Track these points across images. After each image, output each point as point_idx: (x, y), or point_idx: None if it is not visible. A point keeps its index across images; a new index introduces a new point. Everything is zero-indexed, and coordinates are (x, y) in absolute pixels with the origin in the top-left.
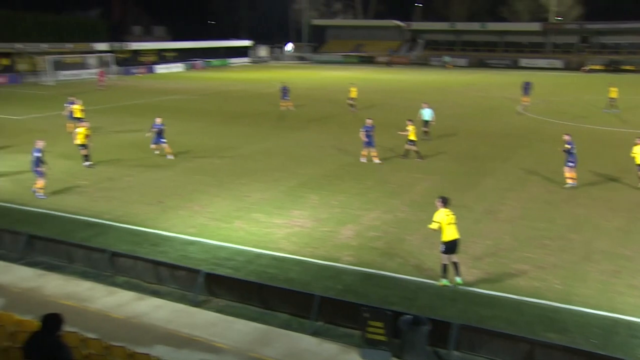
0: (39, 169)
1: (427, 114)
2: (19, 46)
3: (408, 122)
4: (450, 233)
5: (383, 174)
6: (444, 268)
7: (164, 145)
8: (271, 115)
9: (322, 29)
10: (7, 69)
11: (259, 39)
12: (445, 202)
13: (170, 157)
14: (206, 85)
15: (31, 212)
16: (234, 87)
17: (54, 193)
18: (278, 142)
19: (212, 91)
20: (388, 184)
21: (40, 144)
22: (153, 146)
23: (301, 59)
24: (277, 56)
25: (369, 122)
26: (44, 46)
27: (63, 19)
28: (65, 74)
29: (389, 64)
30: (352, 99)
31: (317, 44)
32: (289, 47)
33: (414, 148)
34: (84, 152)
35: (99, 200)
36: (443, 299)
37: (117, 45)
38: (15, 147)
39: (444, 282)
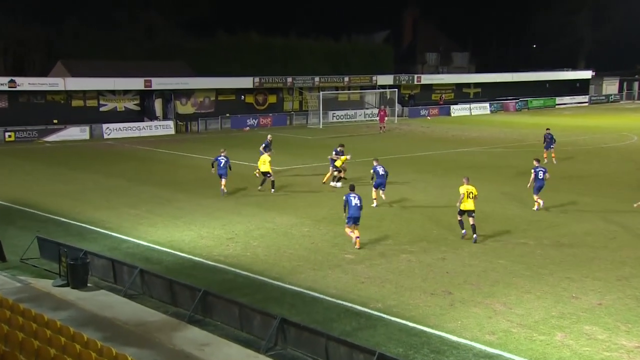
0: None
1: None
2: (288, 80)
3: None
4: None
5: None
6: None
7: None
8: (623, 180)
9: None
10: (274, 108)
11: (603, 69)
12: None
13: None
14: (521, 134)
15: (286, 289)
16: (565, 138)
17: (314, 268)
18: (627, 218)
19: (529, 143)
20: None
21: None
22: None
23: None
24: (633, 93)
25: None
26: (316, 80)
27: (341, 46)
28: (338, 115)
29: None
30: None
31: None
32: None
33: None
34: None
35: (368, 282)
36: None
37: (404, 78)
38: (266, 205)
39: None
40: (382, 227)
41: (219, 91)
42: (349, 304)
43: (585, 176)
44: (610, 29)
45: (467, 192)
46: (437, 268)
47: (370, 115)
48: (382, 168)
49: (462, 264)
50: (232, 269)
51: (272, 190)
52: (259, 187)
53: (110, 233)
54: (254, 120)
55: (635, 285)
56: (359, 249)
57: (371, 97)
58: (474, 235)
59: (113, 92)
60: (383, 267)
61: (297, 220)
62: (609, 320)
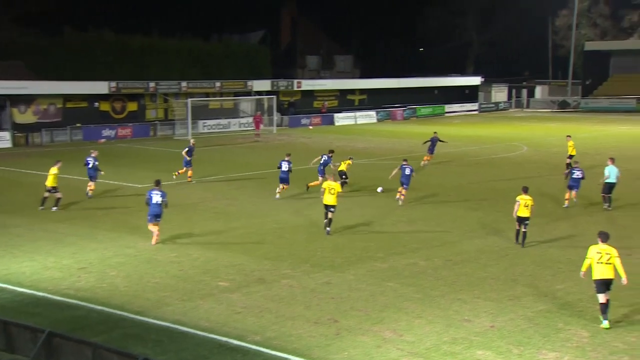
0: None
1: (613, 172)
2: (151, 85)
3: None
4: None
5: None
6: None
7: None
8: (515, 193)
9: (602, 56)
10: (135, 117)
11: (492, 75)
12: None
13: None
14: (410, 144)
15: (150, 324)
16: (455, 149)
17: (183, 298)
18: (510, 235)
19: (419, 153)
20: None
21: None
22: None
23: (563, 105)
24: (522, 101)
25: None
26: (184, 85)
27: (212, 47)
28: (209, 125)
29: None
30: (570, 156)
31: (591, 81)
32: None
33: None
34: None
35: (245, 312)
36: None
37: (282, 83)
38: (126, 228)
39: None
40: (260, 250)
41: (67, 97)
42: (224, 338)
43: (476, 190)
44: (497, 34)
45: (328, 187)
46: (322, 293)
47: (246, 125)
48: (286, 164)
49: (348, 288)
50: (85, 304)
51: (54, 208)
52: (40, 207)
53: None
54: (110, 131)
55: (526, 305)
56: (154, 244)
57: (247, 104)
58: (327, 229)
59: None
60: (261, 295)
61: (163, 244)
62: (502, 343)
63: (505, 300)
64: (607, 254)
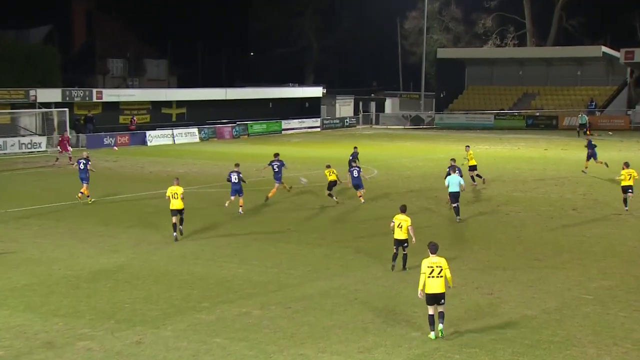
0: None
1: (454, 182)
2: None
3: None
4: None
5: None
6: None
7: None
8: (358, 222)
9: (456, 65)
10: None
11: (337, 86)
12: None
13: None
14: (243, 168)
15: None
16: (295, 173)
17: None
18: (368, 273)
19: (254, 180)
20: None
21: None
22: None
23: (416, 121)
24: (370, 116)
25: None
26: None
27: None
28: None
29: (581, 129)
30: (472, 167)
31: (445, 93)
32: None
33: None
34: None
35: None
36: None
37: (77, 93)
38: None
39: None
40: (48, 305)
41: None
42: None
43: (319, 222)
44: (340, 38)
45: (171, 193)
46: (131, 356)
47: (30, 146)
48: (236, 175)
49: (165, 347)
50: None
51: None
52: None
53: None
54: None
55: (378, 357)
56: None
57: (30, 119)
58: (180, 230)
59: None
60: None
61: None
62: None
63: (355, 353)
64: (438, 266)
